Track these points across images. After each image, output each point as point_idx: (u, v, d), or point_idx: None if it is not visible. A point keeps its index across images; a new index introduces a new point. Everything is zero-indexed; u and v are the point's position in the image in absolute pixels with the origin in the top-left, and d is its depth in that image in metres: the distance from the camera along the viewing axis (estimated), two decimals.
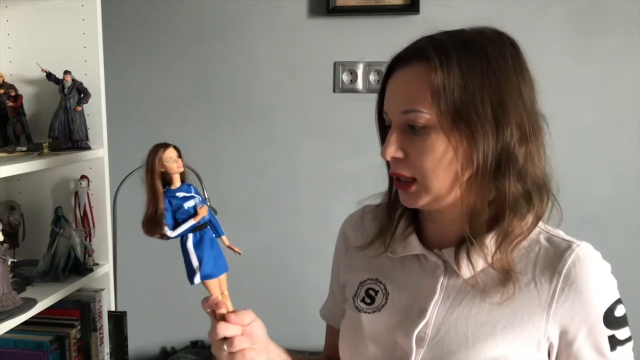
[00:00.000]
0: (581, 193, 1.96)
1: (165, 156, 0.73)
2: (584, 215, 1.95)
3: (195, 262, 0.74)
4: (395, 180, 0.79)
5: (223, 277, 0.76)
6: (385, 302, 0.83)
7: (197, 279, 0.73)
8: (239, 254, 0.76)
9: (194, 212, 0.74)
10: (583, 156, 1.96)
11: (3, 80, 1.48)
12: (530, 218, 0.77)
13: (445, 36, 0.76)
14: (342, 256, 0.95)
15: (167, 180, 0.74)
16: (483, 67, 0.73)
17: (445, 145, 0.73)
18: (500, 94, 0.73)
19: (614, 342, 0.76)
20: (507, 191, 0.74)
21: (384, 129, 0.83)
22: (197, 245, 0.74)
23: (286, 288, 2.02)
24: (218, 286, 0.76)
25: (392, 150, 0.76)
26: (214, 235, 0.75)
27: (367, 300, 0.85)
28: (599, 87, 1.93)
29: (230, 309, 0.78)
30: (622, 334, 0.77)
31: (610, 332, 0.76)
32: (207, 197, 1.88)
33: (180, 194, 0.74)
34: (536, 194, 0.77)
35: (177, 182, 0.74)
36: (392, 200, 0.86)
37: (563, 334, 0.76)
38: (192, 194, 0.75)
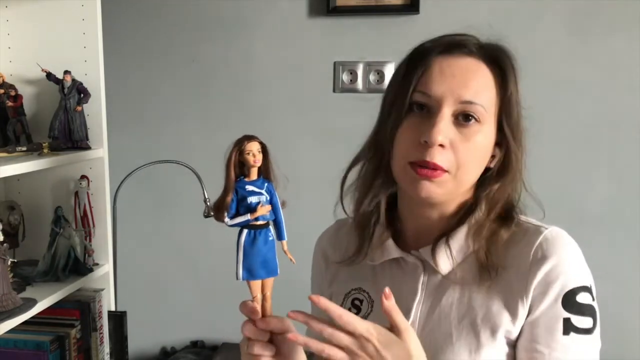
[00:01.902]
0: (581, 193, 1.96)
1: (246, 148, 0.74)
2: (584, 215, 1.95)
3: (240, 258, 0.74)
4: (418, 167, 0.75)
5: (269, 280, 0.75)
6: (371, 310, 0.84)
7: (240, 276, 0.74)
8: (293, 262, 0.76)
9: (254, 208, 0.74)
10: (583, 156, 1.96)
11: (3, 80, 1.48)
12: (507, 219, 0.81)
13: (495, 44, 0.80)
14: (322, 272, 0.95)
15: (245, 171, 0.75)
16: (515, 79, 0.79)
17: (491, 146, 0.78)
18: (520, 106, 0.79)
19: (568, 327, 0.74)
20: (511, 198, 0.80)
21: (403, 110, 0.77)
22: (250, 243, 0.74)
23: (284, 288, 2.01)
24: (259, 288, 0.75)
25: (444, 135, 0.73)
26: (270, 238, 0.75)
27: (354, 310, 0.86)
28: (598, 88, 1.93)
29: (269, 313, 0.76)
30: (580, 321, 0.74)
31: (567, 314, 0.74)
32: (207, 197, 1.87)
33: (250, 187, 0.74)
34: (517, 199, 0.82)
35: (253, 175, 0.75)
36: (369, 208, 0.86)
37: (529, 311, 0.76)
38: (262, 190, 0.75)
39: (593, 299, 0.75)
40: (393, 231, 0.86)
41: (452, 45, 0.77)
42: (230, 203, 0.73)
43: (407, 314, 0.80)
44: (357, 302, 0.86)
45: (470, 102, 0.74)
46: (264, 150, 0.75)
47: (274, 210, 0.75)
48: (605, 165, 1.96)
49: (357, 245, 0.87)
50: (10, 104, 1.46)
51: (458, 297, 0.78)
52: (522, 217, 0.82)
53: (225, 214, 0.73)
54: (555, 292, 0.74)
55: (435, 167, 0.74)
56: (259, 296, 0.75)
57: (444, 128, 0.73)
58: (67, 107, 1.48)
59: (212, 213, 0.75)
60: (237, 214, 0.74)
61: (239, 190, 0.74)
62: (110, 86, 1.61)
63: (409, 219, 0.85)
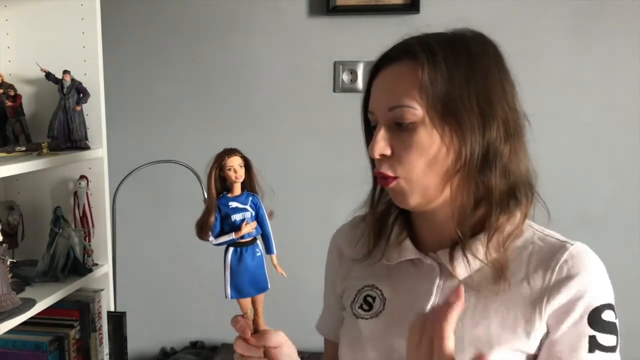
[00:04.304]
0: (581, 193, 1.96)
1: (227, 163, 0.71)
2: (584, 215, 1.95)
3: (227, 277, 0.72)
4: (380, 179, 0.78)
5: (260, 295, 0.74)
6: (383, 308, 0.84)
7: (228, 295, 0.72)
8: (284, 276, 0.74)
9: (238, 226, 0.71)
10: (583, 156, 1.95)
11: (2, 79, 1.48)
12: (518, 215, 0.78)
13: (429, 36, 0.77)
14: (336, 267, 0.94)
15: (227, 186, 0.73)
16: (467, 63, 0.74)
17: (437, 141, 0.74)
18: (486, 89, 0.74)
19: (593, 344, 0.74)
20: (493, 187, 0.75)
21: (369, 130, 0.82)
22: (237, 261, 0.72)
23: (284, 288, 2.02)
24: (249, 304, 0.74)
25: (381, 147, 0.75)
26: (258, 254, 0.73)
27: (365, 306, 0.85)
28: (599, 87, 1.93)
29: (261, 327, 0.75)
30: (605, 339, 0.74)
31: (592, 332, 0.74)
32: (206, 197, 1.87)
33: (233, 204, 0.71)
34: (521, 191, 0.77)
35: (236, 191, 0.72)
36: (382, 208, 0.86)
37: (550, 326, 0.75)
38: (247, 206, 0.72)
39: (615, 317, 0.75)
40: (410, 232, 0.85)
41: (381, 60, 0.78)
42: (214, 222, 0.71)
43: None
44: (369, 299, 0.85)
45: (394, 107, 0.74)
46: (246, 163, 0.73)
47: (261, 224, 0.73)
48: (606, 165, 1.96)
49: (374, 244, 0.86)
50: (9, 103, 1.45)
51: (473, 303, 0.77)
52: (545, 230, 0.80)
53: (210, 233, 0.71)
54: (581, 310, 0.74)
55: (384, 176, 0.76)
56: (249, 312, 0.74)
57: (380, 140, 0.75)
58: (67, 107, 1.48)
59: (196, 232, 0.73)
60: (222, 231, 0.72)
61: (222, 207, 0.71)
62: (110, 86, 1.61)
63: (420, 221, 0.85)
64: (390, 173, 0.76)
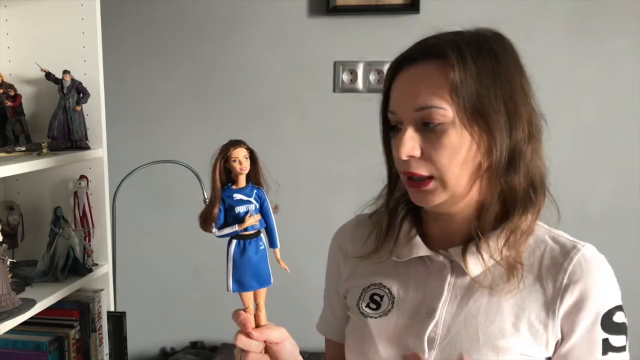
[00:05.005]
0: (581, 193, 1.96)
1: (232, 155, 0.70)
2: (584, 215, 1.95)
3: (229, 270, 0.71)
4: (407, 179, 0.77)
5: (262, 290, 0.73)
6: (392, 306, 0.83)
7: (230, 288, 0.72)
8: (287, 271, 0.73)
9: (242, 218, 0.71)
10: (583, 156, 1.96)
11: (2, 79, 1.48)
12: (530, 214, 0.78)
13: (452, 35, 0.76)
14: (339, 267, 0.93)
15: (232, 177, 0.72)
16: (493, 64, 0.74)
17: (467, 141, 0.73)
18: (510, 90, 0.74)
19: (606, 347, 0.76)
20: (517, 187, 0.75)
21: (387, 131, 0.82)
22: (240, 254, 0.71)
23: (284, 288, 2.02)
24: (251, 298, 0.73)
25: (409, 148, 0.74)
26: (262, 247, 0.72)
27: (373, 305, 0.85)
28: (600, 88, 1.93)
29: (263, 322, 0.75)
30: (616, 340, 0.76)
31: (605, 335, 0.75)
32: (206, 197, 1.87)
33: (237, 196, 0.71)
34: (536, 189, 0.78)
35: (241, 182, 0.71)
36: (391, 205, 0.86)
37: (564, 330, 0.76)
38: (251, 198, 0.71)
39: (625, 316, 0.77)
40: (418, 229, 0.85)
41: (402, 60, 0.78)
42: (218, 213, 0.70)
43: (432, 313, 0.79)
44: (376, 298, 0.85)
45: (422, 108, 0.73)
46: (252, 155, 0.72)
47: (265, 217, 0.72)
48: (606, 164, 1.96)
49: (381, 241, 0.86)
50: (9, 103, 1.45)
51: (486, 301, 0.77)
52: (555, 231, 0.81)
53: (213, 224, 0.71)
54: (594, 315, 0.75)
55: (418, 177, 0.75)
56: (251, 307, 0.73)
57: (408, 141, 0.74)
58: (66, 107, 1.48)
59: (199, 223, 0.72)
60: (226, 223, 0.71)
61: (226, 199, 0.70)
62: (110, 86, 1.60)
63: (432, 220, 0.84)
64: (425, 173, 0.75)
